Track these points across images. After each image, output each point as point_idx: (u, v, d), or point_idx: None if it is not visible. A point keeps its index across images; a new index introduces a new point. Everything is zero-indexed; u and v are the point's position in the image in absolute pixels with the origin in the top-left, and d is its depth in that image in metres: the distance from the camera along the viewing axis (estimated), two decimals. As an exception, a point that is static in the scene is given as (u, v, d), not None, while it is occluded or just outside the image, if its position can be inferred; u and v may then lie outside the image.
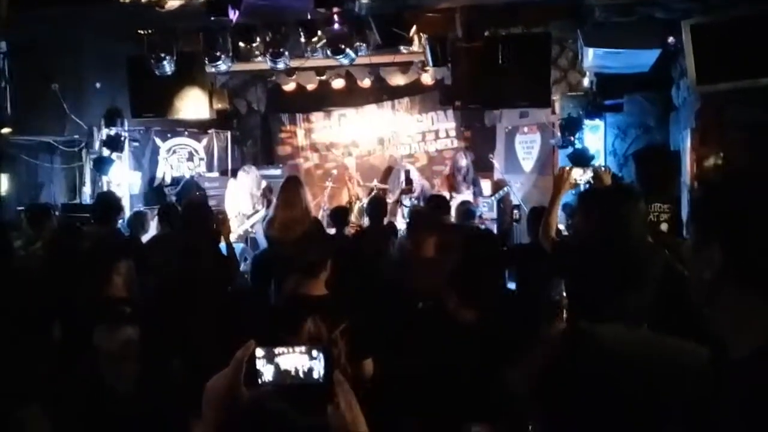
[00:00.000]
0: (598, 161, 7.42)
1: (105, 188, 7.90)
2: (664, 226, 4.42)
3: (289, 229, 5.12)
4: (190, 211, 4.87)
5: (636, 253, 2.80)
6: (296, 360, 1.25)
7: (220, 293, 4.26)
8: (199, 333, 3.78)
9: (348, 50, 6.19)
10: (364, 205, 8.89)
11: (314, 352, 1.25)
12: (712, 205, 1.25)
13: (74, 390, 2.91)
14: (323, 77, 9.29)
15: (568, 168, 3.39)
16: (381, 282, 3.87)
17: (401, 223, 8.09)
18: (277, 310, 3.19)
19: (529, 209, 6.07)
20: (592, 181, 3.33)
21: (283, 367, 1.26)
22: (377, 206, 5.82)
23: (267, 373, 1.26)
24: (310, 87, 9.64)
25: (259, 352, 1.27)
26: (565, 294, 2.74)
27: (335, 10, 5.67)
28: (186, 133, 9.55)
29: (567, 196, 3.89)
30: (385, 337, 3.23)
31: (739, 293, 1.20)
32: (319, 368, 1.25)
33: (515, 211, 7.66)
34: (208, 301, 4.06)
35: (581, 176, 3.32)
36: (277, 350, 1.26)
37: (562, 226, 4.28)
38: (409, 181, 8.34)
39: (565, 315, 2.53)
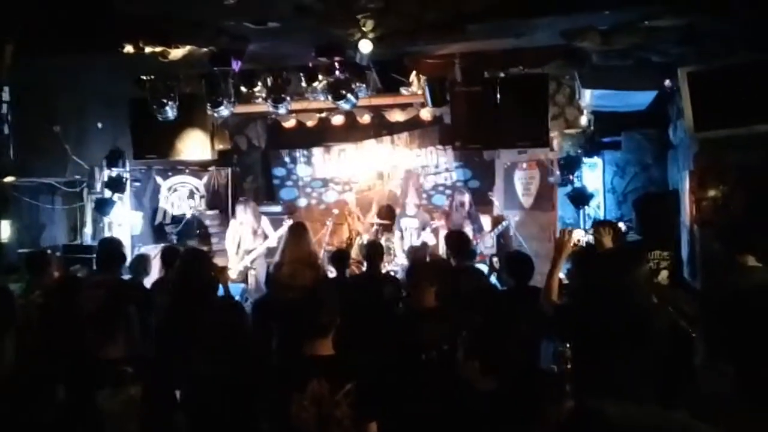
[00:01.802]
0: (597, 199, 7.49)
1: (106, 229, 7.92)
2: (664, 273, 4.45)
3: (298, 274, 5.16)
4: (186, 262, 4.88)
5: (640, 317, 2.82)
6: None
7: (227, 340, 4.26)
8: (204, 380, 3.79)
9: (349, 95, 6.26)
10: (364, 242, 8.94)
11: None
12: (724, 325, 1.27)
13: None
14: (323, 114, 9.38)
15: (569, 230, 3.41)
16: (386, 337, 3.87)
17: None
18: (283, 369, 3.19)
19: (507, 254, 6.10)
20: (593, 242, 3.35)
21: None
22: (373, 250, 5.81)
23: None
24: (310, 123, 9.73)
25: None
26: (569, 357, 2.75)
27: (336, 58, 5.77)
28: (187, 170, 9.59)
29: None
30: (390, 397, 3.23)
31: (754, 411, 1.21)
32: None
33: (494, 259, 7.67)
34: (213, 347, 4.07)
35: (583, 238, 3.34)
36: None
37: (562, 275, 4.29)
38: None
39: (568, 385, 2.54)
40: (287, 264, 5.26)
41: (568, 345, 3.39)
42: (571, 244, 3.34)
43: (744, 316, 1.24)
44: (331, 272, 7.04)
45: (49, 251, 6.52)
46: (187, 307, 4.46)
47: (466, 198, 8.66)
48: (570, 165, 7.22)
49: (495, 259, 7.75)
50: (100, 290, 4.77)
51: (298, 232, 5.43)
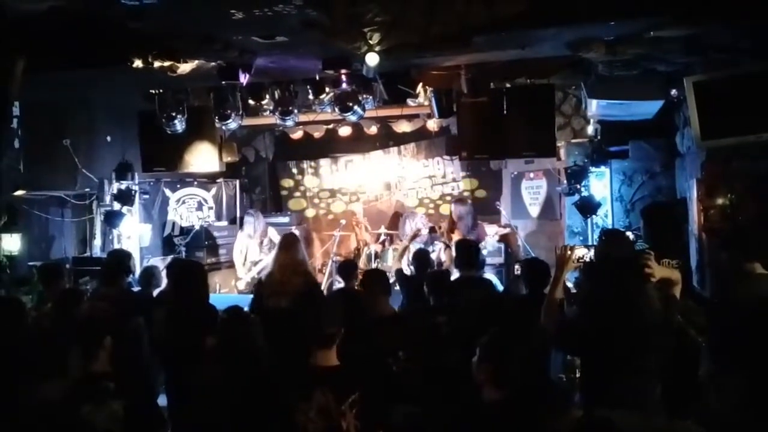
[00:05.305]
0: (605, 208, 7.47)
1: (116, 241, 7.96)
2: (674, 282, 4.42)
3: (287, 281, 5.20)
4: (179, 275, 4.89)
5: (647, 326, 2.81)
6: None
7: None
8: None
9: (356, 107, 6.30)
10: (372, 252, 8.96)
11: None
12: (731, 335, 1.28)
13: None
14: (330, 125, 9.44)
15: (571, 246, 3.38)
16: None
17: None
18: (287, 380, 3.19)
19: (524, 261, 6.08)
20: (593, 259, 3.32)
21: None
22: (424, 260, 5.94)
23: None
24: (317, 134, 9.79)
25: None
26: (578, 372, 2.74)
27: (343, 71, 5.82)
28: (195, 182, 9.63)
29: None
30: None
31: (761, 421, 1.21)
32: None
33: (516, 266, 7.63)
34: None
35: (585, 254, 3.32)
36: None
37: (570, 284, 4.28)
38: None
39: (578, 396, 2.53)
40: (277, 271, 5.29)
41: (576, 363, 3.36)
42: (573, 261, 3.29)
43: (751, 326, 1.25)
44: (339, 282, 7.07)
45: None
46: (186, 319, 4.45)
47: (465, 209, 8.65)
48: (577, 174, 7.22)
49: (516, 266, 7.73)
50: (104, 303, 4.81)
51: (288, 242, 5.47)
